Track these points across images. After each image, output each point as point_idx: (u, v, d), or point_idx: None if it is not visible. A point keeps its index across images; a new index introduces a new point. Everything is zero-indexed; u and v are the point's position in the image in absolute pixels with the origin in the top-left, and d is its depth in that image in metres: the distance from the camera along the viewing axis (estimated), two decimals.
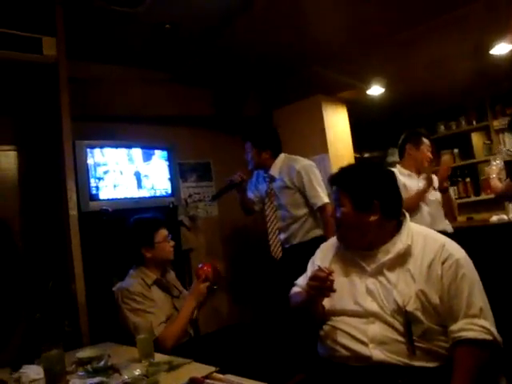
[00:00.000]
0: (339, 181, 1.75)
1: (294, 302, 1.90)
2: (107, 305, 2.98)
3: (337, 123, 4.31)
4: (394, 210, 1.71)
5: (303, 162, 3.27)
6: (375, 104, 4.70)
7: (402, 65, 3.87)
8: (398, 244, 1.65)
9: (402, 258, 1.63)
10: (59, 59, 2.95)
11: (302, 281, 1.94)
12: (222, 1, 3.12)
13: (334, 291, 1.59)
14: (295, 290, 1.95)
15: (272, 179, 3.30)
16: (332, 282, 1.57)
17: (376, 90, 4.34)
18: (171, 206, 3.55)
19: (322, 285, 1.58)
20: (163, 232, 2.49)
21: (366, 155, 5.98)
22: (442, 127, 5.81)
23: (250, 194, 3.47)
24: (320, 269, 1.62)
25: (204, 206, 4.39)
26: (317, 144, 3.84)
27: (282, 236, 3.29)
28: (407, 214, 1.76)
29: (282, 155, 3.33)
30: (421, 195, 3.21)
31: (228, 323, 4.06)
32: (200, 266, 2.43)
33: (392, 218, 1.70)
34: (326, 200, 3.14)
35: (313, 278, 1.62)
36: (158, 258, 2.46)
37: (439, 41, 3.59)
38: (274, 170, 3.28)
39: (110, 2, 2.90)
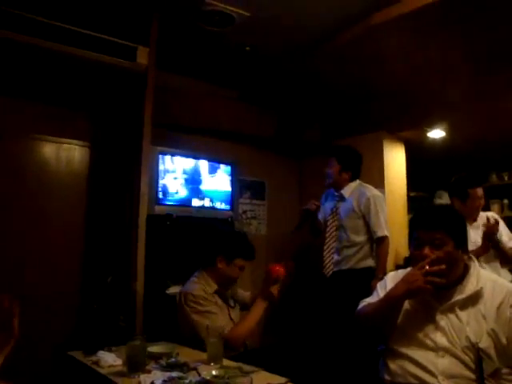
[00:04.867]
0: (442, 222, 1.77)
1: (369, 309, 1.89)
2: (161, 305, 3.10)
3: (395, 161, 4.38)
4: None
5: (375, 192, 3.34)
6: (430, 146, 4.73)
7: (468, 113, 3.91)
8: (470, 286, 1.73)
9: (475, 298, 1.70)
10: (149, 68, 3.14)
11: (370, 300, 1.95)
12: (301, 33, 3.32)
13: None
14: (365, 303, 1.96)
15: (341, 199, 3.38)
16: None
17: (437, 133, 4.37)
18: (230, 219, 3.67)
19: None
20: (242, 261, 2.53)
21: (412, 194, 5.97)
22: (494, 176, 5.78)
23: (319, 216, 3.53)
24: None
25: (256, 224, 4.50)
26: (374, 179, 3.89)
27: (335, 257, 3.34)
28: (473, 257, 1.84)
29: (357, 181, 3.41)
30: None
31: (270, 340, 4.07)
32: (272, 265, 2.46)
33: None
34: (387, 233, 3.21)
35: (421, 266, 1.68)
36: (225, 274, 2.51)
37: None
38: (346, 191, 3.36)
39: (206, 22, 3.10)
